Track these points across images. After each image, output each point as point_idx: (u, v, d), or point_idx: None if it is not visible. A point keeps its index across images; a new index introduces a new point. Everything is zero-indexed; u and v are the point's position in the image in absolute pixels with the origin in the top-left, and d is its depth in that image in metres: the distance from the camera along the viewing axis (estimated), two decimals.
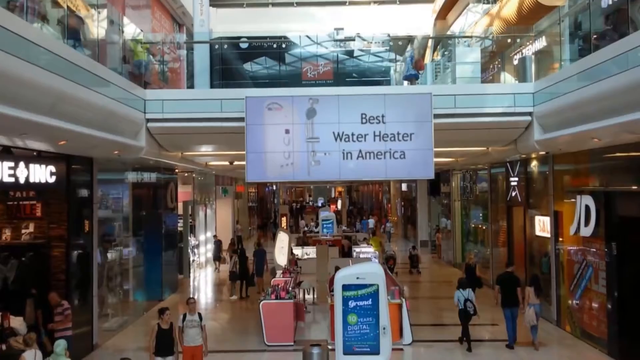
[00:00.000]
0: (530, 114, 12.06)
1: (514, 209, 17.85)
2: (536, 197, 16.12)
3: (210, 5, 24.18)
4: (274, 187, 60.97)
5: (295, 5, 29.59)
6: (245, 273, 18.93)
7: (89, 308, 13.07)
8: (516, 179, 17.05)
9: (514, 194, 17.30)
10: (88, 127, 9.30)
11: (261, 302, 13.11)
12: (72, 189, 12.01)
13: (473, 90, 12.52)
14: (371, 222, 35.95)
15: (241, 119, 11.86)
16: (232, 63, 15.12)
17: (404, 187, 37.90)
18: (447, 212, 27.43)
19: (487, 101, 12.18)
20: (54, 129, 8.31)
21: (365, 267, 10.56)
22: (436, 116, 11.88)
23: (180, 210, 22.80)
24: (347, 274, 10.15)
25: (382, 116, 11.73)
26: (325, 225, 27.96)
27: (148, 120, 12.08)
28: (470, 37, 15.35)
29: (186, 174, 24.69)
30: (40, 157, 10.69)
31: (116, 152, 11.33)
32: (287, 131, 11.77)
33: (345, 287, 9.97)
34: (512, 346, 12.78)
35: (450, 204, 25.77)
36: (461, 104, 12.14)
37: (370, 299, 9.95)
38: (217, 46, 15.22)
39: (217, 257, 24.77)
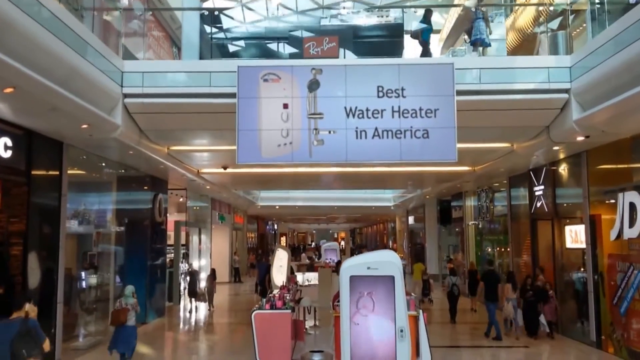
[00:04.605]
0: (567, 90, 10.41)
1: (539, 223, 16.03)
2: (567, 204, 14.36)
3: None
4: (275, 227, 59.22)
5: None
6: (264, 290, 18.04)
7: (52, 322, 11.16)
8: (542, 187, 15.29)
9: (539, 204, 15.50)
10: (44, 76, 7.67)
11: (253, 313, 11.18)
12: (34, 170, 10.32)
13: (500, 64, 10.89)
14: None
15: (233, 95, 10.24)
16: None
17: (410, 220, 36.09)
18: (458, 243, 25.52)
19: (517, 76, 10.55)
20: None
21: (378, 256, 8.70)
22: (458, 93, 10.25)
23: (171, 239, 21.15)
24: (356, 263, 8.34)
25: (402, 89, 10.11)
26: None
27: (125, 96, 10.47)
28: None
29: (181, 199, 23.05)
30: None
31: (85, 125, 9.65)
32: (285, 106, 10.13)
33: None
34: (500, 337, 13.55)
35: (463, 228, 23.85)
36: (487, 79, 10.52)
37: None
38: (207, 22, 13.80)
39: (193, 293, 19.41)
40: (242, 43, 17.54)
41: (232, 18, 21.89)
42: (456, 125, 10.11)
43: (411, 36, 12.56)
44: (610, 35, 9.11)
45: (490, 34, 12.05)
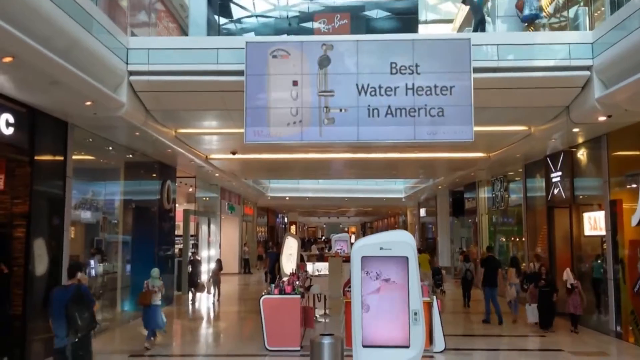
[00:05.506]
0: (589, 68, 9.97)
1: (556, 211, 15.59)
2: (586, 190, 13.91)
3: None
4: (285, 220, 59.00)
5: None
6: (274, 279, 17.93)
7: None
8: (559, 173, 14.84)
9: (556, 191, 15.05)
10: (44, 47, 7.37)
11: (262, 298, 10.88)
12: (38, 150, 10.03)
13: (520, 40, 10.46)
14: None
15: (241, 73, 9.90)
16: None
17: (422, 212, 35.70)
18: (471, 235, 25.02)
19: (537, 53, 10.12)
20: None
21: (392, 235, 8.35)
22: (475, 70, 9.84)
23: (180, 229, 20.94)
24: (368, 243, 7.98)
25: (416, 66, 9.72)
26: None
27: (131, 73, 10.16)
28: None
29: (190, 189, 22.78)
30: None
31: (89, 102, 9.35)
32: (294, 83, 9.77)
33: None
34: (488, 321, 13.98)
35: (477, 220, 23.38)
36: (505, 55, 10.12)
37: None
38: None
39: (194, 284, 18.70)
40: (251, 34, 17.21)
41: (242, 7, 21.60)
42: (473, 104, 9.71)
43: (462, 2, 12.07)
44: (635, 6, 8.66)
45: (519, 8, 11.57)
